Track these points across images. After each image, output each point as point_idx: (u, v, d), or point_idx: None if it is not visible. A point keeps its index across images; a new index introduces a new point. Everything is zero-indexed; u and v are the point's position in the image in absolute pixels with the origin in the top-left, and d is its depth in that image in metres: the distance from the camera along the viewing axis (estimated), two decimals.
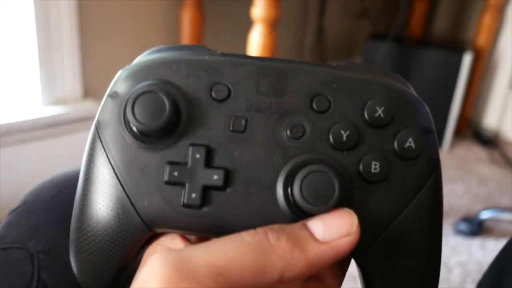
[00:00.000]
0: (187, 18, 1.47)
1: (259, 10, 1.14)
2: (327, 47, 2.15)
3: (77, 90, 1.35)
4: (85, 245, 0.27)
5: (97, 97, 1.38)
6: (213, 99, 0.26)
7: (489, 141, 2.07)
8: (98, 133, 0.27)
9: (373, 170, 0.26)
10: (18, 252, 0.39)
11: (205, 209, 0.25)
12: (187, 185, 0.25)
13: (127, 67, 0.28)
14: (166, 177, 0.25)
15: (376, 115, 0.26)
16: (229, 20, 1.69)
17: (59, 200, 0.43)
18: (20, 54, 1.27)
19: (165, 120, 0.25)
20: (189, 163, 0.25)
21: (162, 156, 0.26)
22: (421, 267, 0.27)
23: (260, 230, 0.23)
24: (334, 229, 0.23)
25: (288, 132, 0.26)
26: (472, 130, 2.17)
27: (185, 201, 0.25)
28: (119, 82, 0.27)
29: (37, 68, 1.27)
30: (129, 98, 0.25)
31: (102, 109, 0.27)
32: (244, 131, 0.26)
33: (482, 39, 1.94)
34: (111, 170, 0.26)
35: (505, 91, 2.11)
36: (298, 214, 0.25)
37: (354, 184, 0.26)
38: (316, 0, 2.02)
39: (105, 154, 0.26)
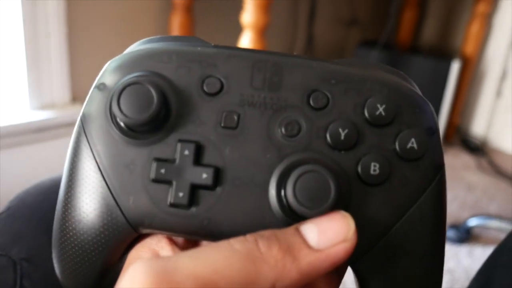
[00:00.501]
0: (177, 22, 1.47)
1: (249, 16, 1.14)
2: (317, 54, 2.16)
3: (65, 94, 1.34)
4: (67, 245, 0.26)
5: None
6: (205, 92, 0.25)
7: (476, 149, 2.09)
8: (83, 127, 0.25)
9: (372, 172, 0.24)
10: (0, 260, 0.39)
11: (193, 209, 0.24)
12: (174, 184, 0.24)
13: (116, 57, 0.27)
14: (152, 175, 0.24)
15: (377, 113, 0.24)
16: (219, 26, 1.69)
17: (44, 206, 0.42)
18: (8, 58, 1.26)
19: (152, 113, 0.23)
20: (177, 160, 0.24)
21: (149, 152, 0.24)
22: (422, 274, 0.25)
23: (250, 237, 0.21)
24: (329, 234, 0.22)
25: (283, 129, 0.24)
26: (460, 137, 2.18)
27: (172, 200, 0.24)
28: (106, 73, 0.26)
29: (24, 72, 1.26)
30: (115, 90, 0.24)
31: (88, 102, 0.26)
32: (236, 127, 0.25)
33: (470, 47, 1.96)
34: (96, 166, 0.25)
35: (493, 98, 2.13)
36: (291, 217, 0.23)
37: (351, 186, 0.24)
38: (305, 7, 2.03)
39: (89, 149, 0.25)
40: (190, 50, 0.26)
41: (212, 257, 0.20)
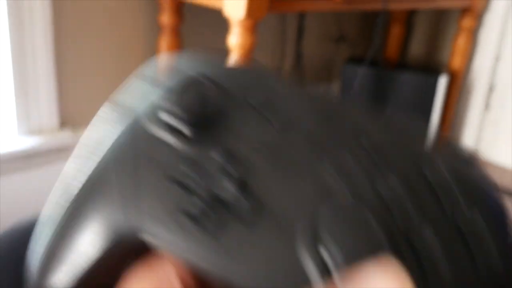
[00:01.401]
0: (165, 44, 1.47)
1: (235, 39, 1.14)
2: (305, 72, 2.17)
3: (53, 119, 1.33)
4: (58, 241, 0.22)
5: (75, 126, 1.36)
6: (253, 107, 0.23)
7: None
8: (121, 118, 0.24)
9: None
10: None
11: (207, 225, 0.20)
12: (194, 191, 0.20)
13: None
14: (173, 176, 0.21)
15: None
16: (206, 47, 1.69)
17: (17, 257, 0.35)
18: None
19: (205, 113, 0.22)
20: (206, 167, 0.21)
21: (177, 153, 0.22)
22: None
23: None
24: None
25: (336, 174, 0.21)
26: None
27: (186, 208, 0.20)
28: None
29: (12, 97, 1.25)
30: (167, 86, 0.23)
31: (128, 91, 0.25)
32: (281, 150, 0.22)
33: (456, 62, 1.98)
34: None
35: (481, 112, 2.14)
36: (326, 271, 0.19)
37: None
38: (294, 24, 2.05)
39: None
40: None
41: None
